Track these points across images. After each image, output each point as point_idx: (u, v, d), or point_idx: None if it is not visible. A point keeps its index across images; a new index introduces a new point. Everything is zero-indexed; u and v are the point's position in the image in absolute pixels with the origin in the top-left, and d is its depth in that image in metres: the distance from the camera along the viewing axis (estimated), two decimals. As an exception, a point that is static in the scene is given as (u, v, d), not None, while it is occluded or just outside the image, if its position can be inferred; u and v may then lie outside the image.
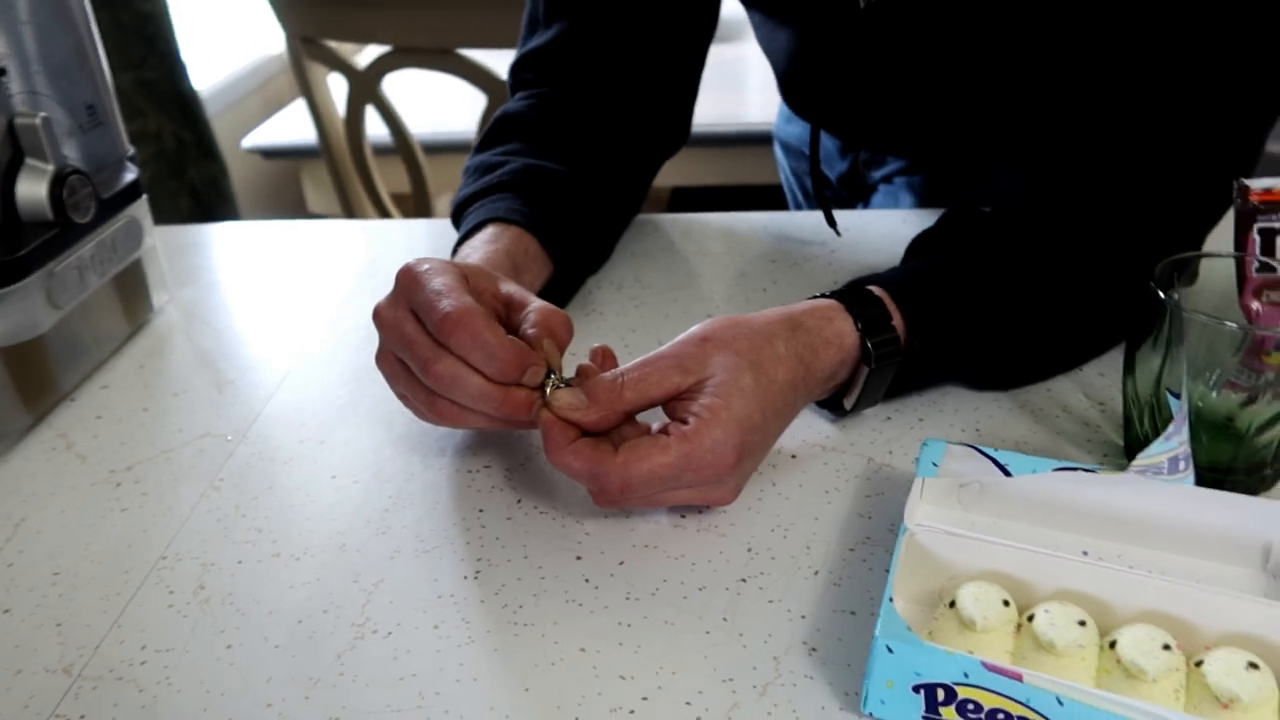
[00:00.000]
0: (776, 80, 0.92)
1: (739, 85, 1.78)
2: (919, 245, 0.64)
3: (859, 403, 0.57)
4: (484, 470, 0.55)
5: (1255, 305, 0.54)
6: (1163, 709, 0.34)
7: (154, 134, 1.37)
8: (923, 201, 0.94)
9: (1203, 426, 0.51)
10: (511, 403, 0.48)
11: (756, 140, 1.56)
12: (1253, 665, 0.37)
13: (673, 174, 1.70)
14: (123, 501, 0.54)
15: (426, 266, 0.51)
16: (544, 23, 0.79)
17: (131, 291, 0.71)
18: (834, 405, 0.58)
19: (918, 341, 0.56)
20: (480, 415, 0.49)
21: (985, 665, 0.36)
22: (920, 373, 0.58)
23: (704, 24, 0.81)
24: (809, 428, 0.58)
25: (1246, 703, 0.36)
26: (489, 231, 0.65)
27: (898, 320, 0.55)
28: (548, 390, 0.48)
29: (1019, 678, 0.35)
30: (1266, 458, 0.50)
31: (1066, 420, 0.58)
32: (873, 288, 0.57)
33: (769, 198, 1.27)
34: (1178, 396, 0.48)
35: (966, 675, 0.36)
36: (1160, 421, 0.51)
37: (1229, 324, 0.47)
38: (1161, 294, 0.48)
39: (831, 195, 1.10)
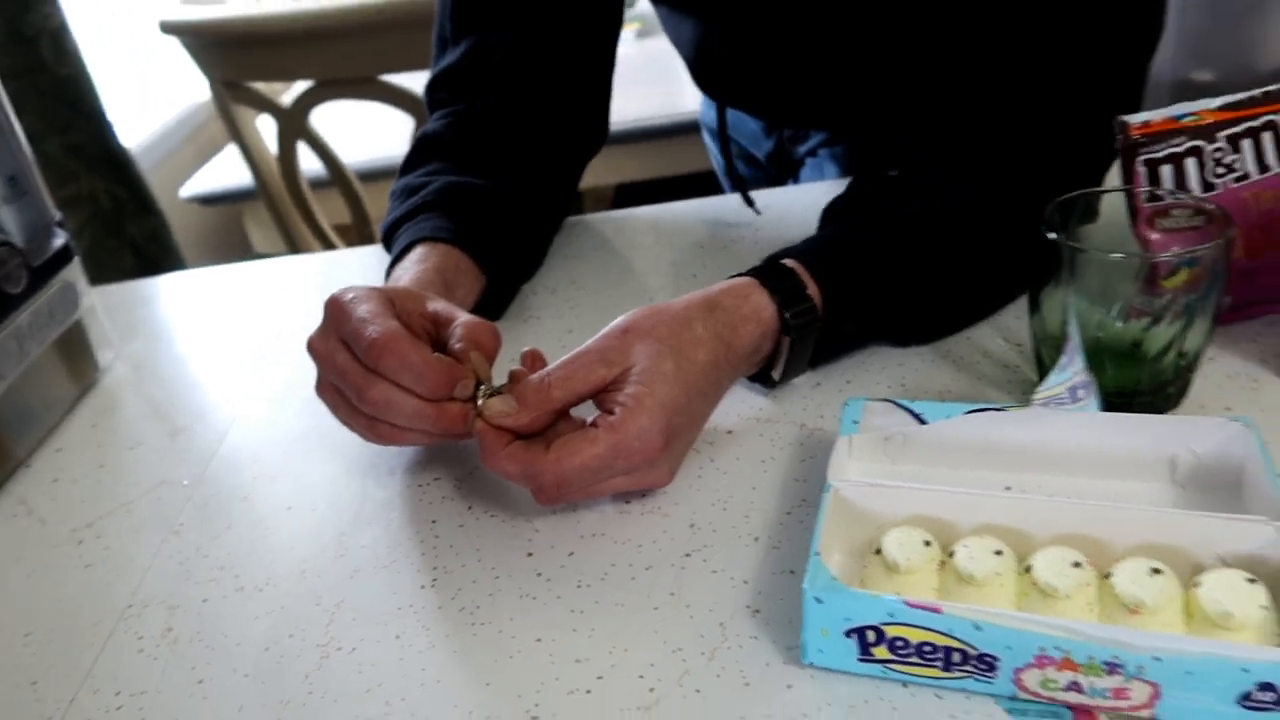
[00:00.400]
0: (687, 68, 0.94)
1: (672, 77, 1.79)
2: (831, 212, 0.66)
3: (786, 373, 0.59)
4: (434, 483, 0.57)
5: (1150, 234, 0.57)
6: (1068, 620, 0.36)
7: (89, 196, 1.37)
8: (847, 171, 0.97)
9: (1108, 355, 0.53)
10: (446, 418, 0.50)
11: (696, 129, 1.58)
12: (1156, 571, 0.39)
13: (615, 171, 1.72)
14: (86, 558, 0.56)
15: (351, 295, 0.53)
16: (452, 40, 0.80)
17: (75, 353, 0.72)
18: (765, 379, 0.60)
19: (834, 307, 0.58)
20: (419, 433, 0.51)
21: (907, 603, 0.38)
22: (841, 337, 0.60)
23: (609, 24, 0.82)
24: (743, 403, 0.60)
25: (1152, 606, 0.38)
26: (418, 252, 0.66)
27: (813, 289, 0.57)
28: (479, 400, 0.50)
29: (938, 610, 0.38)
30: (1169, 376, 0.52)
31: (987, 364, 0.60)
32: (786, 260, 0.59)
33: (712, 185, 1.29)
34: (1088, 331, 0.51)
35: (892, 615, 0.38)
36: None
37: (1114, 254, 0.50)
38: (1049, 233, 0.50)
39: (761, 174, 1.12)
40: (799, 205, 0.86)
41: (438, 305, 0.56)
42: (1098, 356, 0.51)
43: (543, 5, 0.77)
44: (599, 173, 1.72)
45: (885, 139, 0.93)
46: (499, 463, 0.48)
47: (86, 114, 1.38)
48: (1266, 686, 0.34)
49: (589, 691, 0.42)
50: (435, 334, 0.55)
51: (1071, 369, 0.46)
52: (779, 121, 1.02)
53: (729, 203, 0.87)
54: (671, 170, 1.69)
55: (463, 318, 0.54)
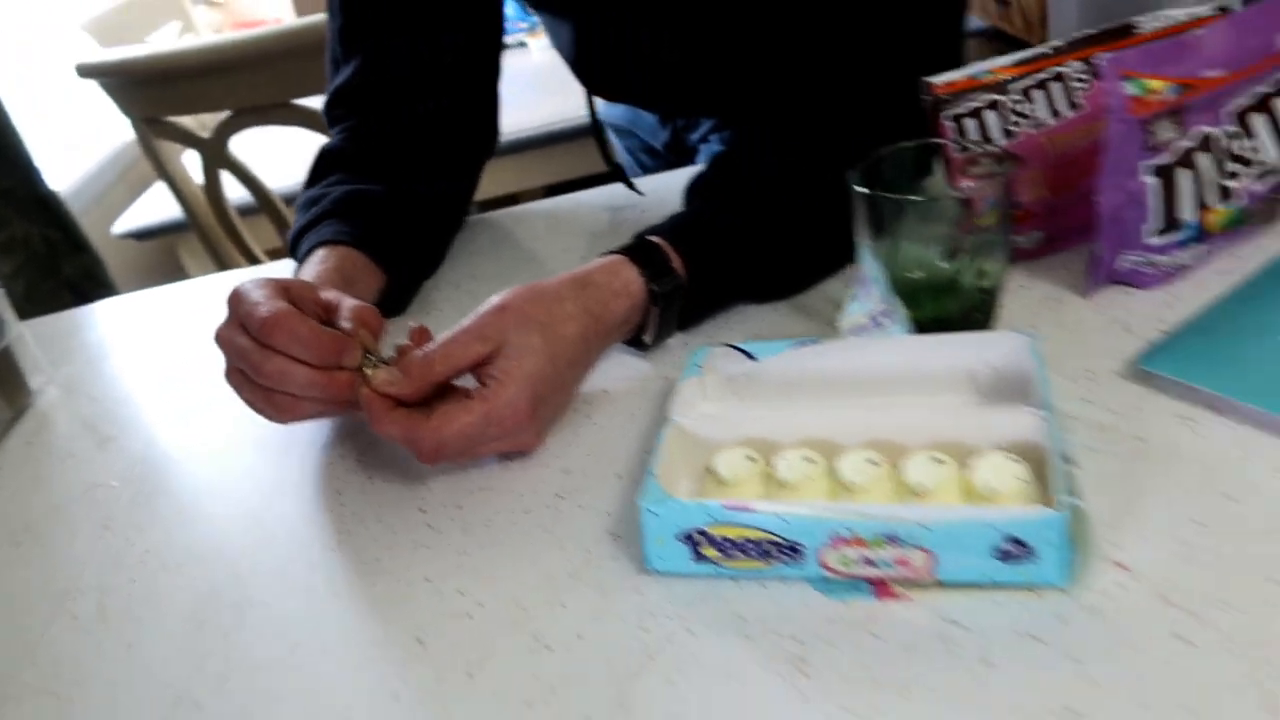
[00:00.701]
0: (569, 68, 1.00)
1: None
2: (693, 190, 0.73)
3: (658, 337, 0.65)
4: (340, 459, 0.63)
5: (962, 182, 0.64)
6: (850, 504, 0.43)
7: (22, 239, 1.41)
8: (736, 154, 1.03)
9: (928, 291, 0.60)
10: (335, 385, 0.55)
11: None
12: (937, 460, 0.46)
13: (543, 173, 1.77)
14: (25, 557, 0.61)
15: (248, 285, 0.59)
16: (343, 60, 0.86)
17: (7, 380, 0.77)
18: (639, 343, 0.66)
19: (697, 277, 0.64)
20: (314, 402, 0.57)
21: (724, 505, 0.44)
22: (706, 301, 0.67)
23: (490, 34, 0.88)
24: (621, 365, 0.66)
25: (934, 489, 0.45)
26: (319, 254, 0.72)
27: (677, 262, 0.64)
28: (367, 371, 0.56)
29: (749, 509, 0.44)
30: (975, 304, 0.59)
31: (834, 312, 0.66)
32: (653, 237, 0.65)
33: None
34: (906, 272, 0.57)
35: (713, 517, 0.45)
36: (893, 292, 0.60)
37: (910, 198, 0.56)
38: (855, 187, 0.57)
39: (661, 163, 1.19)
40: (680, 187, 0.92)
41: (330, 294, 0.62)
42: (915, 294, 0.58)
43: (426, 21, 0.83)
44: (523, 177, 1.78)
45: (763, 120, 1.00)
46: (384, 426, 0.54)
47: (12, 161, 1.42)
48: (1014, 540, 0.41)
49: (470, 616, 0.48)
50: (327, 319, 0.60)
51: (869, 300, 0.53)
52: (666, 112, 1.08)
53: (613, 189, 0.93)
54: (594, 169, 1.75)
55: (350, 302, 0.60)
